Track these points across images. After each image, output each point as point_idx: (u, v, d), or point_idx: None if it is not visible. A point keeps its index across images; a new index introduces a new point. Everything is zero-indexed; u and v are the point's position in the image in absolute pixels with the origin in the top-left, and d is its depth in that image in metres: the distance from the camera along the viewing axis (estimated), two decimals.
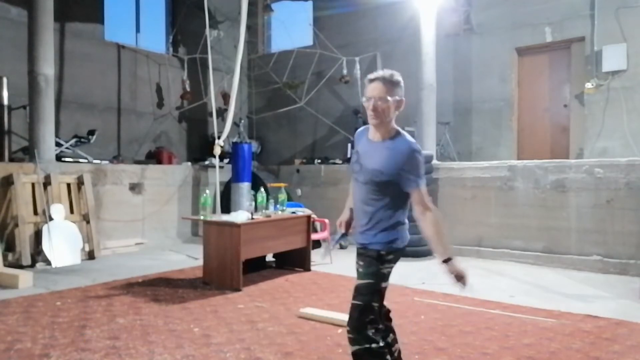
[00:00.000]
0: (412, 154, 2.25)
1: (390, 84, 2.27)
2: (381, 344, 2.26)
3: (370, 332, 2.25)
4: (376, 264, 2.31)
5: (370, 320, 2.26)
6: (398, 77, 2.30)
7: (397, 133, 2.34)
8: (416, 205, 2.28)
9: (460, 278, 2.19)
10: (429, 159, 6.83)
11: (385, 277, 2.34)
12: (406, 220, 2.41)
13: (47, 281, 5.27)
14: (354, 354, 2.30)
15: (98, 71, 8.53)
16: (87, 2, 8.41)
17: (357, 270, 2.41)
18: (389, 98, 2.25)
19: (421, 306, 4.37)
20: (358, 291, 2.32)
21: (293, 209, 6.10)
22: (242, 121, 9.94)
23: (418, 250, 6.60)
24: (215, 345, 3.38)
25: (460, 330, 3.74)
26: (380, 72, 2.30)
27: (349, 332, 2.31)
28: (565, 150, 7.52)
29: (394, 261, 2.37)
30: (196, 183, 8.67)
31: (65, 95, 8.08)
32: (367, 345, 2.25)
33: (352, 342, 2.30)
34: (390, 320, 2.56)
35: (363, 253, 2.39)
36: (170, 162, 8.84)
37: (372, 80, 2.30)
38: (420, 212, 2.27)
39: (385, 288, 2.36)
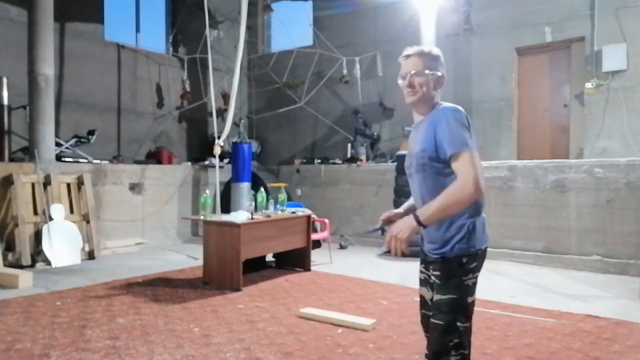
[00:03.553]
0: (446, 114, 1.90)
1: (427, 58, 1.99)
2: None
3: (454, 359, 1.91)
4: (458, 275, 1.93)
5: (455, 344, 1.91)
6: (437, 51, 2.03)
7: (438, 105, 2.01)
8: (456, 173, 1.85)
9: (399, 245, 1.83)
10: None
11: (471, 289, 1.96)
12: (480, 212, 1.98)
13: (47, 281, 5.27)
14: None
15: (98, 71, 8.53)
16: (87, 2, 8.41)
17: (429, 281, 2.07)
18: (426, 72, 1.97)
19: None
20: (438, 308, 1.95)
21: (293, 209, 6.10)
22: (242, 121, 9.94)
23: (418, 250, 6.61)
24: (215, 345, 3.38)
25: None
26: (416, 47, 2.04)
27: (426, 356, 1.98)
28: (565, 150, 7.52)
29: (478, 269, 1.97)
30: (196, 183, 8.67)
31: (65, 95, 8.09)
32: None
33: None
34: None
35: (435, 261, 2.00)
36: (170, 162, 8.83)
37: (407, 57, 2.03)
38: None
39: (472, 304, 1.97)
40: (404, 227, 1.84)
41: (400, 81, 2.04)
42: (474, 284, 1.97)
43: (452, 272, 1.94)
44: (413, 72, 1.99)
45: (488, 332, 3.69)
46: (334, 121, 9.69)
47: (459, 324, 1.92)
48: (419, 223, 1.83)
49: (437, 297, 1.97)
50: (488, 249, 2.05)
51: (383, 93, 8.98)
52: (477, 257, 1.96)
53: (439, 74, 2.01)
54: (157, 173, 8.08)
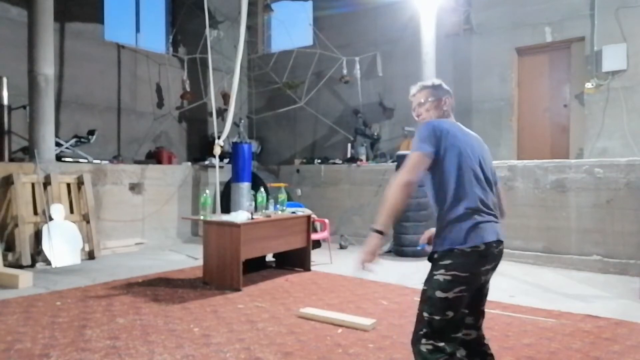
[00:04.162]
0: (418, 128, 2.22)
1: (428, 89, 2.39)
2: None
3: (424, 349, 2.00)
4: (430, 268, 2.11)
5: (424, 333, 2.02)
6: (437, 81, 2.43)
7: None
8: None
9: (366, 257, 2.05)
10: None
11: (442, 285, 2.02)
12: (463, 217, 2.07)
13: (47, 281, 5.27)
14: None
15: (98, 71, 8.53)
16: (87, 2, 8.41)
17: None
18: (429, 99, 2.36)
19: None
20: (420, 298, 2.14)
21: (293, 209, 6.10)
22: (242, 121, 9.94)
23: (417, 251, 6.62)
24: (215, 345, 3.38)
25: None
26: (419, 84, 2.43)
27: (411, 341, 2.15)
28: (565, 150, 7.52)
29: (454, 268, 2.02)
30: (196, 183, 8.67)
31: (65, 95, 8.08)
32: None
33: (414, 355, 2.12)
34: (485, 354, 2.30)
35: None
36: (170, 162, 8.84)
37: (414, 95, 2.43)
38: None
39: (445, 300, 2.00)
40: (366, 245, 2.07)
41: (413, 114, 2.45)
42: (448, 281, 2.02)
43: (430, 265, 2.14)
44: (421, 101, 2.38)
45: (488, 332, 3.66)
46: (334, 121, 9.69)
47: (425, 314, 2.04)
48: (376, 231, 2.06)
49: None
50: None
51: (383, 93, 8.98)
52: (452, 256, 2.05)
53: (442, 98, 2.37)
54: (157, 173, 8.08)
